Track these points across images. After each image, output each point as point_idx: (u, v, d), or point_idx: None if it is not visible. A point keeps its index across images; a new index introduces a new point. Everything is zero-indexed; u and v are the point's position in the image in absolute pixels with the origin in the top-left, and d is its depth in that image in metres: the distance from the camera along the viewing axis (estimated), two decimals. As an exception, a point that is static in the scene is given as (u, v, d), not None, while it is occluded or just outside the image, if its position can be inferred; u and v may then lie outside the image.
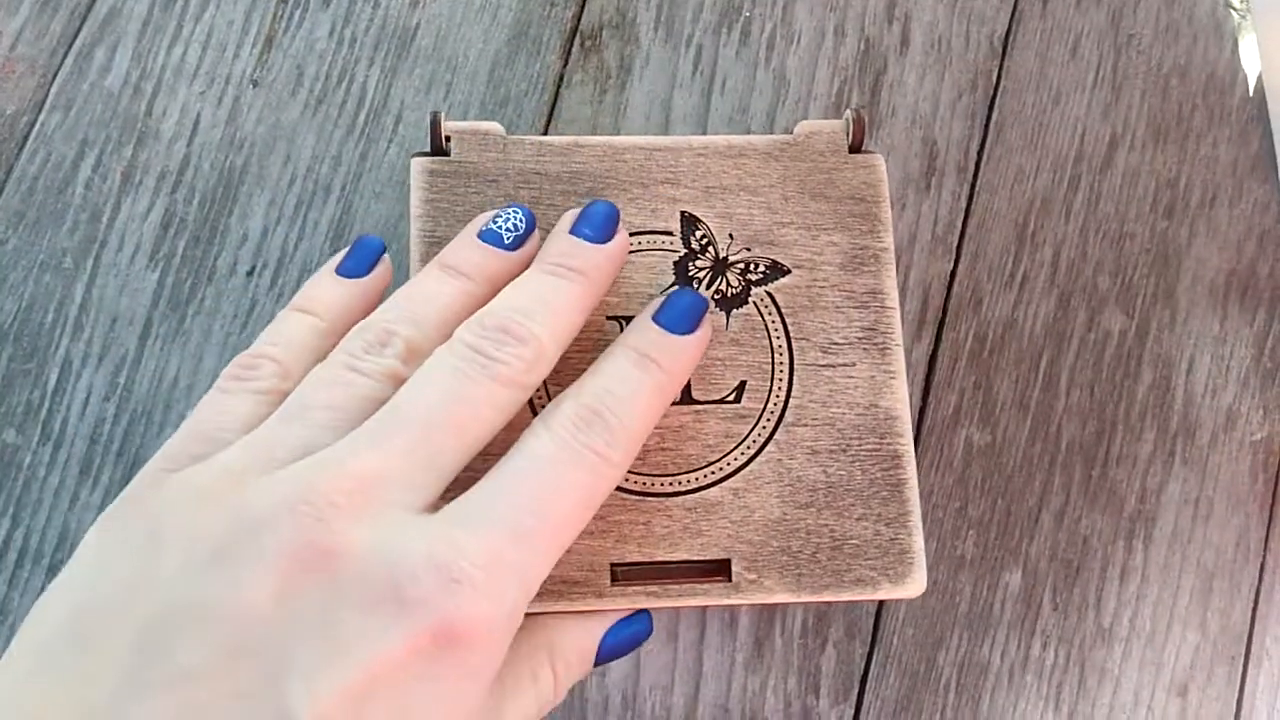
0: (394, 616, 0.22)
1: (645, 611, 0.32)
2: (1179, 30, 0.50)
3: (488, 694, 0.24)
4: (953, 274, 0.46)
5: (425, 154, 0.36)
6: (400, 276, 0.37)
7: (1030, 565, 0.44)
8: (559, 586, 0.32)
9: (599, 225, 0.32)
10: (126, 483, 0.28)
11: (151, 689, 0.21)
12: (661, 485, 0.34)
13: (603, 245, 0.31)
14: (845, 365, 0.36)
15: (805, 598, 0.33)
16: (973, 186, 0.47)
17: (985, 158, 0.47)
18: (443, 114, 0.36)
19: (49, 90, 0.45)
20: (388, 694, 0.22)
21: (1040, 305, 0.46)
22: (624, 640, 0.31)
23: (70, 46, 0.46)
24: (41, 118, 0.45)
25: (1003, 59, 0.49)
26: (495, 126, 0.36)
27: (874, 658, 0.43)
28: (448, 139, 0.36)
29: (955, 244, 0.46)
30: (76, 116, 0.45)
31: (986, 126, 0.48)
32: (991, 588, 0.44)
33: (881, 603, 0.43)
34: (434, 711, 0.22)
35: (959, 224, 0.47)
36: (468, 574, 0.23)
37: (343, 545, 0.23)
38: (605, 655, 0.31)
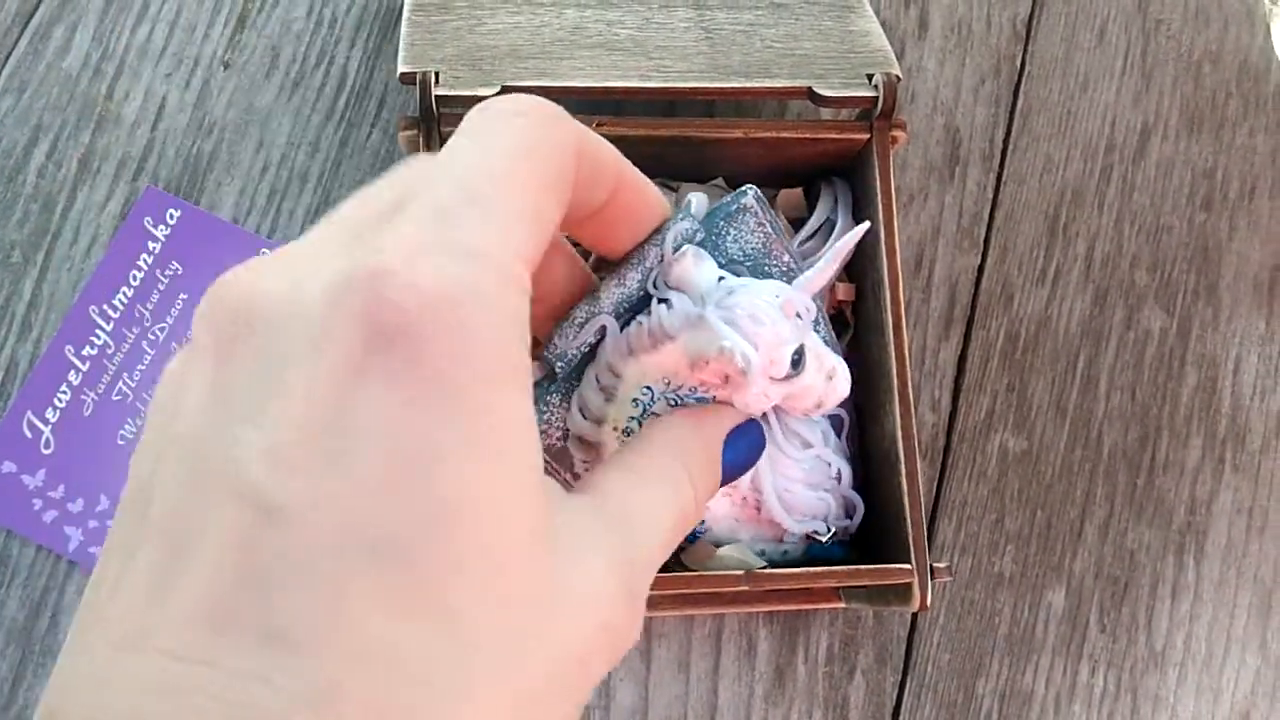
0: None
1: (754, 421, 0.27)
2: (1209, 16, 0.47)
3: (507, 426, 0.18)
4: (980, 269, 0.43)
5: None
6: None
7: (1074, 583, 0.40)
8: None
9: None
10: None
11: None
12: None
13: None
14: None
15: None
16: (999, 176, 0.44)
17: (1011, 146, 0.44)
18: None
19: (1, 71, 0.42)
20: (342, 424, 0.17)
21: (1075, 302, 0.43)
22: (742, 453, 0.26)
23: (26, 25, 0.42)
24: (-8, 101, 0.41)
25: (1026, 43, 0.46)
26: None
27: (907, 687, 0.39)
28: None
29: (983, 236, 0.43)
30: (30, 100, 0.41)
31: (1012, 113, 0.45)
32: (1033, 608, 0.40)
33: (914, 626, 0.39)
34: (406, 430, 0.17)
35: (986, 215, 0.43)
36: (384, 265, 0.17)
37: None
38: (728, 472, 0.26)
